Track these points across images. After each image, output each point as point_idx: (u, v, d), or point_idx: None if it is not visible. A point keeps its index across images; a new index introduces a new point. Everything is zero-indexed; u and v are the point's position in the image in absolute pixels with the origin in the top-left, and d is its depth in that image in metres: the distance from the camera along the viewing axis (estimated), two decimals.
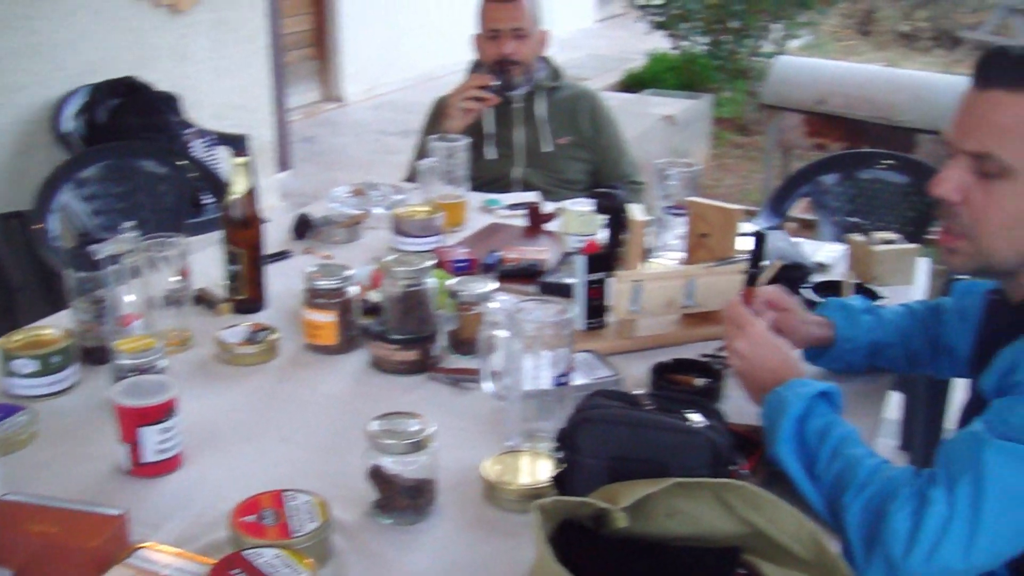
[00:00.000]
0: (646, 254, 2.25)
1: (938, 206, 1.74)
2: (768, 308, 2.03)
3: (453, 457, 1.77)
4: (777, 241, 2.67)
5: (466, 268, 2.60)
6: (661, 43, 9.92)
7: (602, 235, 2.30)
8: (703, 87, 9.11)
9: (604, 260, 2.21)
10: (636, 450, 1.51)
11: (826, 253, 2.84)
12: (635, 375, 2.09)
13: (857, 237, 2.74)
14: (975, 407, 1.67)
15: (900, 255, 2.68)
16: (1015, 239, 1.67)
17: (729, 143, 8.58)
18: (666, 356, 2.13)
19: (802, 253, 2.67)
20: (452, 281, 2.23)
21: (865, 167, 3.84)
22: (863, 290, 2.49)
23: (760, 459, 1.73)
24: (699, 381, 2.03)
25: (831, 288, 2.50)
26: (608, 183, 3.72)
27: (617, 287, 2.14)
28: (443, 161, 2.99)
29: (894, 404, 3.77)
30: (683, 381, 2.05)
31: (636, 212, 2.20)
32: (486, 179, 3.61)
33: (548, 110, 3.67)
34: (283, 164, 6.77)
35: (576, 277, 2.21)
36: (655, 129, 7.33)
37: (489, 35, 3.63)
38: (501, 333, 1.86)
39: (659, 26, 9.63)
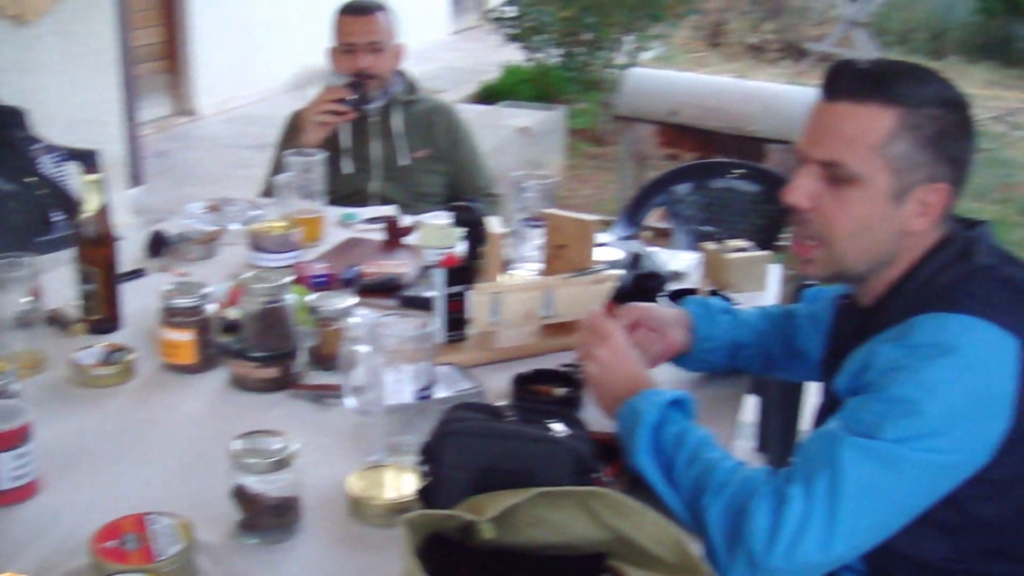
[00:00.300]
0: (505, 266, 2.27)
1: (791, 214, 1.80)
2: (629, 326, 2.07)
3: (317, 474, 1.77)
4: (632, 250, 2.72)
5: (325, 283, 2.59)
6: (516, 55, 9.99)
7: (461, 248, 2.32)
8: (557, 99, 9.20)
9: (463, 273, 2.23)
10: (500, 461, 1.52)
11: (681, 262, 2.90)
12: (497, 387, 2.11)
13: (710, 245, 2.80)
14: (829, 407, 1.74)
15: (752, 262, 2.75)
16: (864, 244, 1.75)
17: (584, 154, 8.67)
18: (527, 367, 2.16)
19: (657, 262, 2.72)
20: (311, 297, 2.22)
21: (717, 176, 3.93)
22: (718, 297, 2.55)
23: (622, 466, 1.77)
24: (559, 391, 2.06)
25: (686, 296, 2.55)
26: (465, 196, 3.74)
27: (477, 299, 2.16)
28: (299, 176, 2.97)
29: (750, 407, 3.86)
30: (544, 391, 2.07)
31: (494, 225, 2.22)
32: (343, 193, 3.59)
33: (405, 123, 3.68)
34: (136, 180, 6.64)
35: (436, 290, 2.22)
36: (510, 141, 7.38)
37: (345, 49, 3.62)
38: (362, 348, 1.87)
39: (513, 38, 9.69)
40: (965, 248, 1.73)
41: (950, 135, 1.70)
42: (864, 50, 12.62)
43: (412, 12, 11.61)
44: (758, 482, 1.60)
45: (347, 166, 3.64)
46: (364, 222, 3.17)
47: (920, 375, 1.58)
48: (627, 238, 3.67)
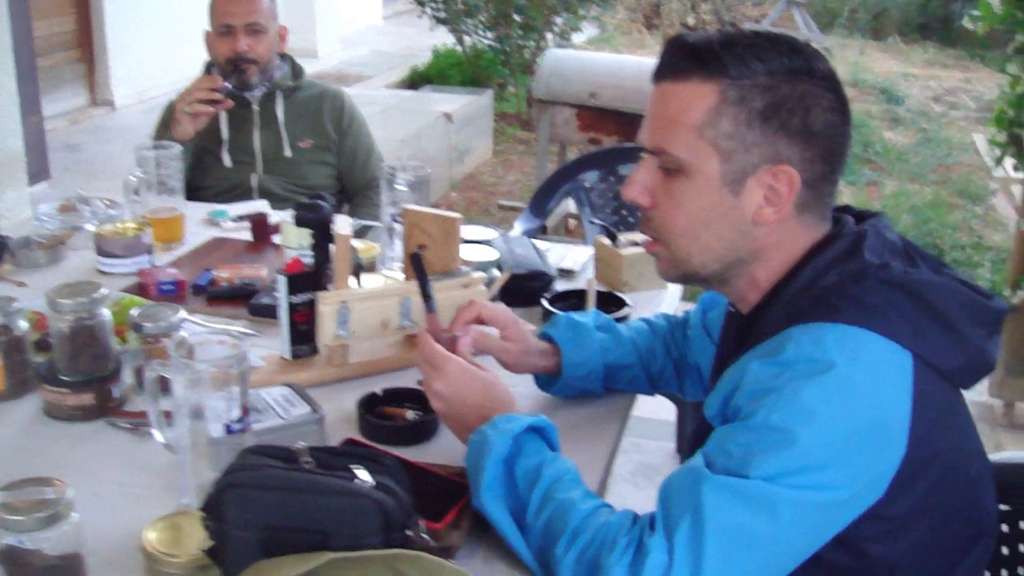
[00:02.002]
0: (358, 270, 2.01)
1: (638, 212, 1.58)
2: (475, 325, 1.82)
3: (122, 520, 1.54)
4: (516, 248, 2.48)
5: (173, 291, 2.34)
6: (449, 39, 9.72)
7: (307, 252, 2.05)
8: (488, 83, 8.96)
9: (311, 279, 1.96)
10: (292, 518, 1.27)
11: (573, 259, 2.65)
12: (347, 407, 1.86)
13: (604, 240, 2.55)
14: (701, 435, 1.49)
15: (649, 258, 2.49)
16: (706, 242, 1.52)
17: (512, 139, 8.44)
18: (384, 383, 1.92)
19: (545, 260, 2.48)
20: (135, 311, 1.95)
21: (627, 162, 3.69)
22: (611, 298, 2.31)
23: (465, 508, 1.52)
24: (411, 414, 1.81)
25: (574, 297, 2.32)
26: (356, 188, 3.49)
27: (321, 310, 1.90)
28: (152, 171, 2.68)
29: (670, 407, 3.65)
30: (395, 414, 1.83)
31: (341, 225, 1.96)
32: (223, 188, 3.35)
33: (289, 112, 3.41)
34: (38, 175, 6.31)
35: (278, 299, 1.97)
36: (434, 126, 7.12)
37: (221, 31, 3.36)
38: (169, 372, 1.60)
39: (441, 21, 9.41)
40: (853, 245, 1.48)
41: (790, 108, 1.45)
42: (802, 30, 12.47)
43: None
44: (616, 531, 1.37)
45: (227, 159, 3.37)
46: (234, 220, 2.89)
47: (794, 398, 1.33)
48: (530, 232, 3.44)
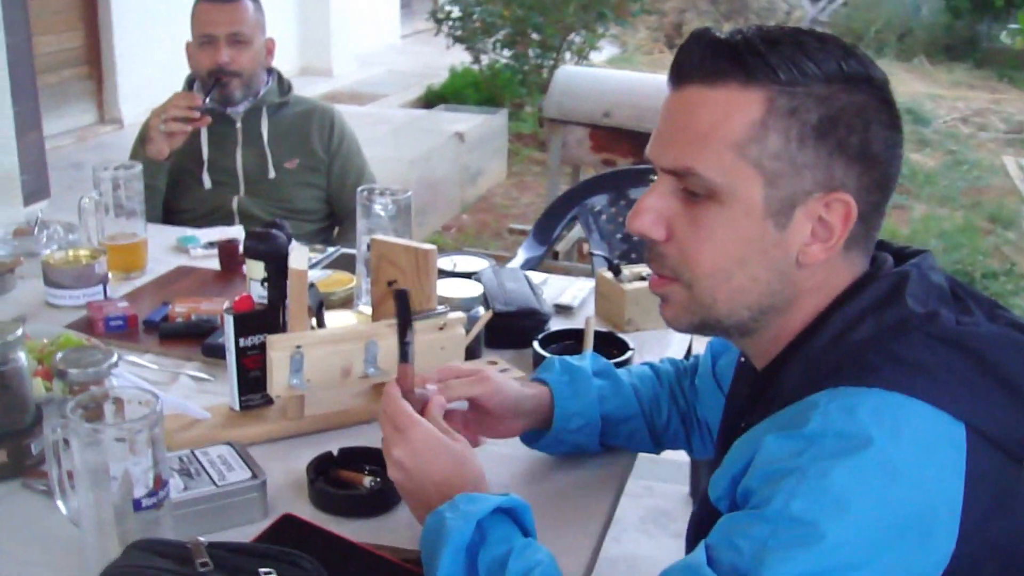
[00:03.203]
0: (320, 309, 1.76)
1: (646, 247, 1.30)
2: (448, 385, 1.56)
3: None
4: (508, 282, 2.23)
5: (123, 328, 2.10)
6: (466, 57, 9.51)
7: (261, 288, 1.81)
8: (506, 102, 8.74)
9: (263, 319, 1.72)
10: None
11: (572, 294, 2.39)
12: (301, 468, 1.61)
13: (606, 272, 2.30)
14: (704, 520, 1.22)
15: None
16: (736, 284, 1.22)
17: (528, 159, 8.19)
18: (346, 439, 1.67)
19: (539, 296, 2.22)
20: (59, 355, 1.70)
21: (638, 185, 3.44)
22: (611, 339, 2.06)
23: None
24: (369, 480, 1.56)
25: (570, 338, 2.07)
26: (346, 212, 3.25)
27: (270, 355, 1.64)
28: (110, 193, 2.44)
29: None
30: (351, 479, 1.57)
31: (297, 257, 1.70)
32: (202, 211, 3.12)
33: (274, 129, 3.17)
34: (36, 194, 6.10)
35: (226, 342, 1.72)
36: (446, 146, 6.89)
37: (202, 41, 3.11)
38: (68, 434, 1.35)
39: (458, 40, 9.21)
40: (893, 289, 1.20)
41: (849, 123, 1.17)
42: None
43: (361, 16, 11.22)
44: None
45: (207, 180, 3.13)
46: (204, 247, 2.65)
47: (821, 483, 1.06)
48: (533, 260, 3.19)
